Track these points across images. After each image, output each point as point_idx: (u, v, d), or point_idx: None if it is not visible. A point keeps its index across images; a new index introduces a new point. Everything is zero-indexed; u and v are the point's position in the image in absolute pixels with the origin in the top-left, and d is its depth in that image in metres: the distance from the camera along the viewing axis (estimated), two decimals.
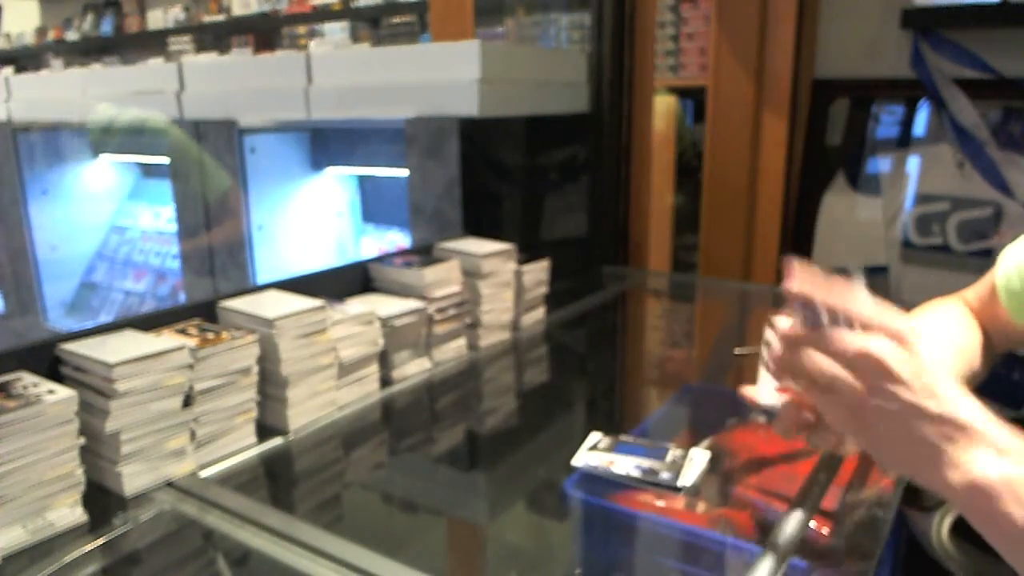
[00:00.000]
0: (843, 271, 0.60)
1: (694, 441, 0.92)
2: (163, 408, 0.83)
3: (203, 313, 0.99)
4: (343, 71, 1.71)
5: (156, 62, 2.52)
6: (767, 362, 0.69)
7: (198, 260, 2.11)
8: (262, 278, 2.02)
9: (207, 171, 1.98)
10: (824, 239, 1.83)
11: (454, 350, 1.26)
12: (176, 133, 2.03)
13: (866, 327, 0.57)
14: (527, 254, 1.42)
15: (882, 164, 1.80)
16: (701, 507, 0.79)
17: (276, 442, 0.97)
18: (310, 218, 2.15)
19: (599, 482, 0.84)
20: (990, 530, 0.54)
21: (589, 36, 1.89)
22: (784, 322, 0.62)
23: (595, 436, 0.91)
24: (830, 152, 1.86)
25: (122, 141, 2.31)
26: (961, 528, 0.98)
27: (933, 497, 1.00)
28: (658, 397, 1.26)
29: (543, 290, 1.46)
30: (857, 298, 0.58)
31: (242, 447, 0.94)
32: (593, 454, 0.87)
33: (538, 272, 1.43)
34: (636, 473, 0.82)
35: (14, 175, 2.62)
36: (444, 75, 1.54)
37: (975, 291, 0.92)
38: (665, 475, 0.82)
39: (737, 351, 0.71)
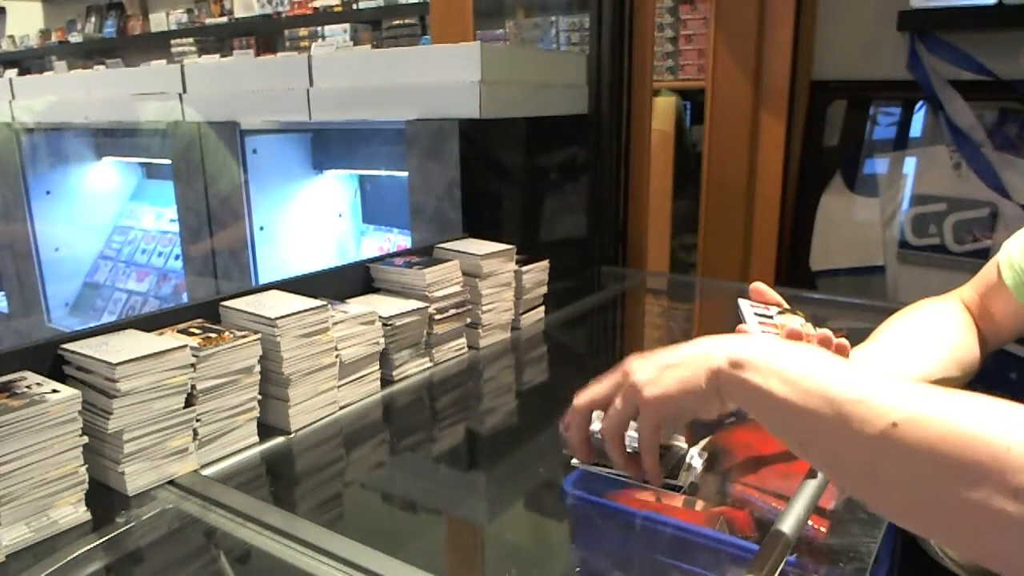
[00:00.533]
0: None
1: (692, 440, 0.93)
2: (165, 407, 0.84)
3: (205, 313, 1.00)
4: (344, 73, 1.71)
5: (159, 64, 2.53)
6: None
7: (200, 261, 2.12)
8: (264, 278, 2.03)
9: (222, 164, 1.99)
10: (821, 239, 1.84)
11: (454, 350, 1.27)
12: (190, 126, 2.04)
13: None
14: (527, 254, 1.43)
15: (879, 165, 1.81)
16: (700, 505, 0.80)
17: (278, 441, 0.98)
18: (311, 219, 2.16)
19: (598, 481, 0.84)
20: (751, 407, 0.62)
21: (588, 38, 1.89)
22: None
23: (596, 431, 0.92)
24: (827, 153, 1.86)
25: (134, 141, 2.32)
26: None
27: None
28: None
29: (543, 290, 1.47)
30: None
31: (244, 446, 0.94)
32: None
33: (538, 272, 1.44)
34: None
35: (18, 176, 2.63)
36: (445, 77, 1.55)
37: (971, 286, 0.93)
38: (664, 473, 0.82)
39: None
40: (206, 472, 0.89)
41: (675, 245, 2.84)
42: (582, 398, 0.76)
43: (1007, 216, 1.59)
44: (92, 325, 0.89)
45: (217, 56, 2.76)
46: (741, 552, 0.72)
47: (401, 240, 2.14)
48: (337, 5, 4.15)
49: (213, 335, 0.91)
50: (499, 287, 1.33)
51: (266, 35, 4.76)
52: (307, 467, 0.97)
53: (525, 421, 1.13)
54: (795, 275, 1.90)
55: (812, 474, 0.76)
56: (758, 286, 0.87)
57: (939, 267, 1.68)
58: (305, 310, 0.98)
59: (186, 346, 0.85)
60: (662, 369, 0.68)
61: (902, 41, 1.73)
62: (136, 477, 0.83)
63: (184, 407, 0.86)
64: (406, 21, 3.81)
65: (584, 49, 2.33)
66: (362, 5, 4.04)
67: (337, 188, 2.22)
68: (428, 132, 1.53)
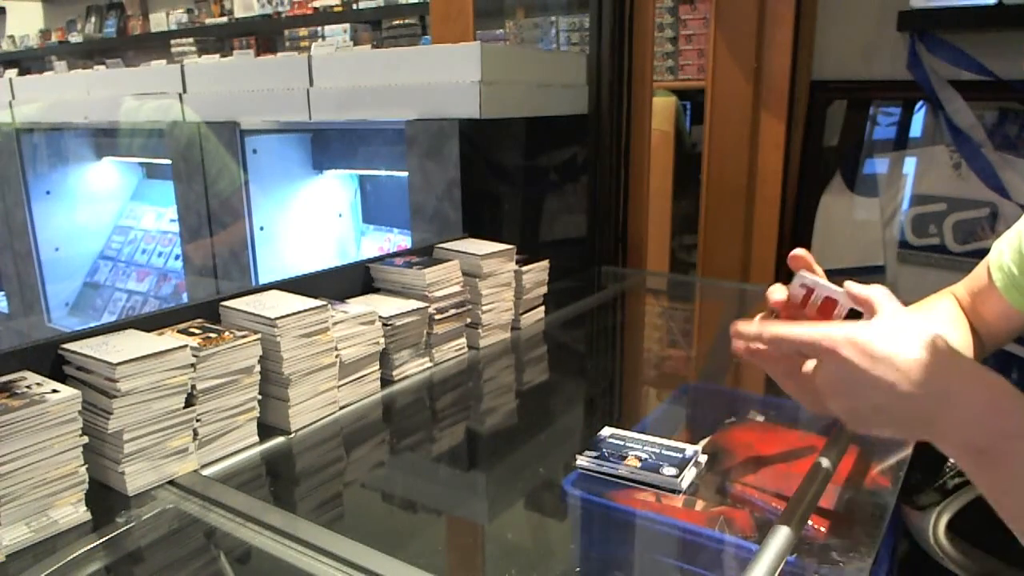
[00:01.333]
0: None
1: (692, 440, 0.93)
2: (165, 407, 0.84)
3: (205, 313, 1.00)
4: (344, 73, 1.71)
5: (159, 64, 2.53)
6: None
7: (200, 261, 2.12)
8: (264, 278, 2.03)
9: (222, 164, 1.99)
10: (821, 239, 1.84)
11: (454, 350, 1.27)
12: (189, 125, 2.04)
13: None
14: (527, 255, 1.43)
15: (879, 165, 1.81)
16: (699, 505, 0.80)
17: (278, 441, 0.98)
18: (311, 219, 2.16)
19: (598, 481, 0.84)
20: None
21: (588, 38, 1.89)
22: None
23: (608, 430, 0.92)
24: (827, 153, 1.86)
25: (134, 141, 2.32)
26: (957, 526, 0.99)
27: (929, 496, 1.01)
28: (656, 396, 1.27)
29: (543, 290, 1.47)
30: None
31: (244, 446, 0.94)
32: (604, 441, 0.88)
33: (538, 272, 1.44)
34: (638, 466, 0.83)
35: (18, 176, 2.63)
36: (445, 77, 1.55)
37: (965, 286, 0.92)
38: (664, 474, 0.82)
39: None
40: (206, 472, 0.89)
41: (675, 245, 2.83)
42: (788, 333, 0.65)
43: (1007, 216, 1.59)
44: (92, 325, 0.89)
45: (217, 56, 2.75)
46: (741, 552, 0.72)
47: (401, 240, 2.14)
48: (337, 5, 4.15)
49: (213, 335, 0.91)
50: (499, 287, 1.33)
51: (266, 35, 4.76)
52: (307, 467, 0.97)
53: (525, 421, 1.13)
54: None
55: (813, 474, 0.76)
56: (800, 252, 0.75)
57: (939, 267, 1.68)
58: (305, 310, 0.98)
59: (186, 346, 0.85)
60: (877, 413, 0.61)
61: (902, 41, 1.73)
62: (136, 477, 0.83)
63: (184, 407, 0.86)
64: (406, 21, 3.80)
65: (584, 49, 2.33)
66: (362, 5, 4.04)
67: (337, 188, 2.22)
68: (428, 132, 1.53)
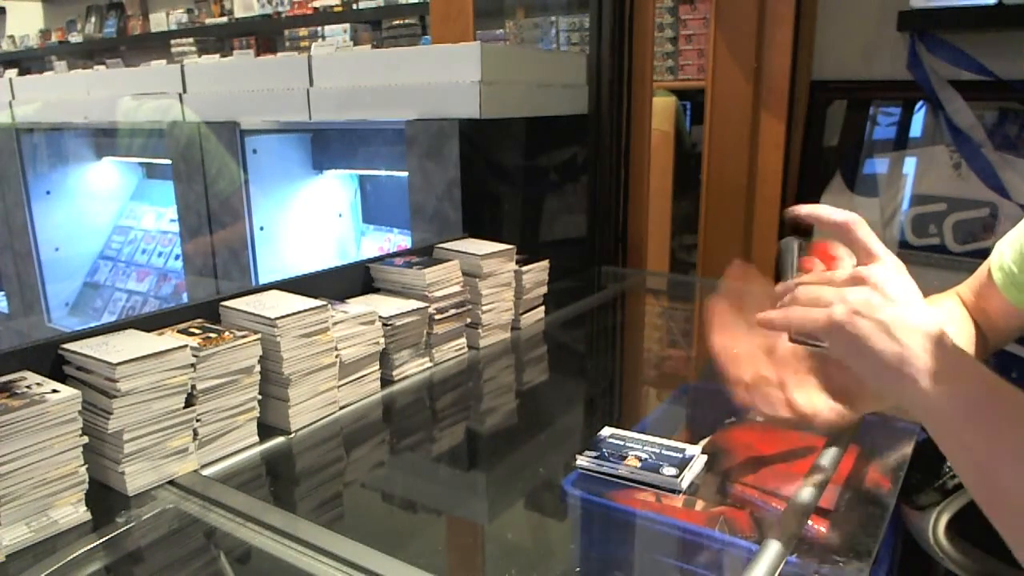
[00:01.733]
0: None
1: (692, 440, 0.93)
2: (165, 407, 0.84)
3: (205, 313, 1.00)
4: (344, 73, 1.71)
5: (159, 64, 2.53)
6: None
7: (200, 261, 2.12)
8: (264, 278, 2.03)
9: (222, 164, 1.99)
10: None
11: (454, 350, 1.27)
12: (189, 125, 2.04)
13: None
14: (527, 255, 1.43)
15: (879, 165, 1.81)
16: (699, 505, 0.80)
17: (278, 441, 0.98)
18: (311, 219, 2.16)
19: (598, 481, 0.84)
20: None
21: (588, 38, 1.89)
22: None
23: (608, 430, 0.92)
24: (827, 153, 1.86)
25: (134, 141, 2.33)
26: (957, 526, 0.99)
27: (929, 496, 1.01)
28: (656, 396, 1.27)
29: (543, 290, 1.47)
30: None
31: (244, 446, 0.94)
32: (604, 441, 0.88)
33: (538, 272, 1.44)
34: (638, 466, 0.83)
35: (18, 176, 2.63)
36: (445, 77, 1.55)
37: (968, 286, 0.93)
38: (664, 474, 0.82)
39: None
40: (206, 472, 0.89)
41: (675, 245, 2.84)
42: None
43: (1007, 216, 1.59)
44: (92, 325, 0.89)
45: (217, 56, 2.75)
46: (741, 552, 0.72)
47: (401, 240, 2.14)
48: (337, 5, 4.15)
49: (213, 335, 0.91)
50: (499, 287, 1.33)
51: (266, 35, 4.76)
52: (307, 467, 0.97)
53: (525, 421, 1.13)
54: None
55: (812, 474, 0.76)
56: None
57: (939, 267, 1.68)
58: (305, 310, 0.98)
59: (186, 346, 0.85)
60: (875, 331, 0.62)
61: (902, 41, 1.73)
62: (136, 477, 0.83)
63: (184, 407, 0.86)
64: (406, 21, 3.80)
65: (584, 49, 2.33)
66: (362, 5, 4.04)
67: (337, 188, 2.22)
68: (428, 132, 1.53)
